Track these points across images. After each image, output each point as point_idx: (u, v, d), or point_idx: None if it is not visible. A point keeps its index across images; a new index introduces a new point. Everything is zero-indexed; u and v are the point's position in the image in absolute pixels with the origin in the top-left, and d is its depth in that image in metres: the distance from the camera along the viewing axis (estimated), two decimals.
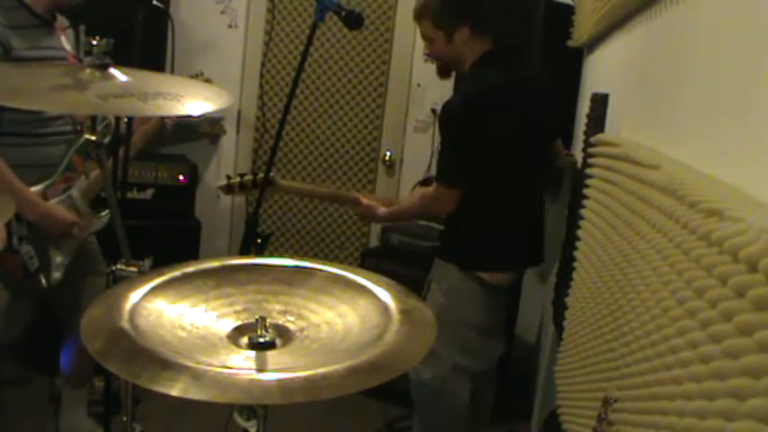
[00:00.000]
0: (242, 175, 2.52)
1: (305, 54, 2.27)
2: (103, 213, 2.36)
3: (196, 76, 2.78)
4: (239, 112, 3.84)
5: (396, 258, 3.24)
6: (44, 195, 2.18)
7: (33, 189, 2.16)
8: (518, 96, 2.36)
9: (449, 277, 2.38)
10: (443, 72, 2.49)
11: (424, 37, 2.40)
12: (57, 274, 2.23)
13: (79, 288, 2.35)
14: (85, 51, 2.10)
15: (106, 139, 1.54)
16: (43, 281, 2.19)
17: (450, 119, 2.30)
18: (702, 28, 1.17)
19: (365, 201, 2.57)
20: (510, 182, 2.35)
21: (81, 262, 2.33)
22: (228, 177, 2.55)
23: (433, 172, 3.65)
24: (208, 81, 2.71)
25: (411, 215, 2.64)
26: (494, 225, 2.35)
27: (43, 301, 2.39)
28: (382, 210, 2.56)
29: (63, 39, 2.27)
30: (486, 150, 2.26)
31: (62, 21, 2.33)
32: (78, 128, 2.29)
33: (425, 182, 2.75)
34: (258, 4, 3.78)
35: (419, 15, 2.37)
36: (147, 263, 1.58)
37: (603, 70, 2.36)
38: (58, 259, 2.24)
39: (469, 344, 2.42)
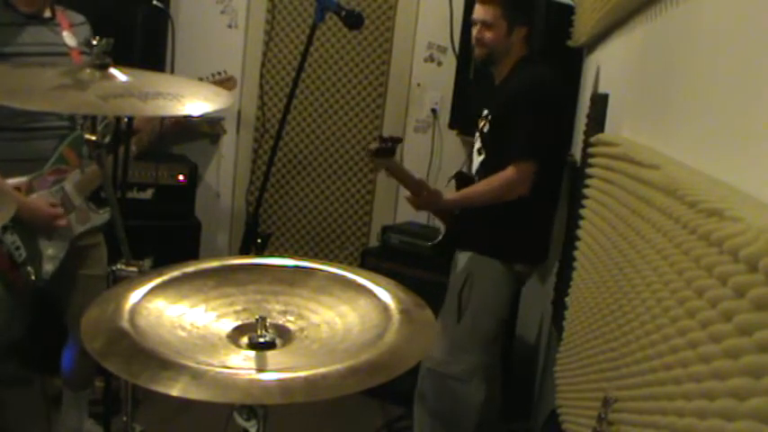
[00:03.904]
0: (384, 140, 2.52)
1: (305, 54, 2.27)
2: (103, 210, 2.35)
3: (218, 74, 2.77)
4: (239, 112, 3.84)
5: (396, 258, 3.24)
6: (30, 186, 2.16)
7: (17, 180, 2.13)
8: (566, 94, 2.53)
9: (492, 273, 2.44)
10: (487, 62, 2.47)
11: (481, 21, 2.39)
12: (48, 267, 2.20)
13: (73, 287, 2.33)
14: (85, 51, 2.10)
15: (106, 139, 1.54)
16: (32, 273, 2.17)
17: (534, 96, 2.34)
18: (702, 28, 1.17)
19: (432, 188, 2.54)
20: (554, 174, 2.46)
21: (78, 260, 2.32)
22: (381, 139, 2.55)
23: (434, 172, 3.66)
24: (230, 79, 2.72)
25: (486, 199, 2.42)
26: (536, 217, 2.44)
27: (40, 297, 2.37)
28: (449, 196, 2.52)
29: (66, 34, 2.25)
30: (551, 135, 2.36)
31: (74, 17, 2.32)
32: (72, 123, 2.27)
33: (461, 177, 2.70)
34: (258, 4, 3.77)
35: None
36: (147, 263, 1.58)
37: (603, 70, 2.36)
38: (50, 251, 2.21)
39: (498, 336, 2.54)
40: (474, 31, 2.44)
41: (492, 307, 2.47)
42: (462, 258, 2.55)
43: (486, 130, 2.49)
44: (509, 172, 2.34)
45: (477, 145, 2.57)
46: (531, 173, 2.31)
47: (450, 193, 2.55)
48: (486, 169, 2.46)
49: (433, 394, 2.53)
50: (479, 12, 2.40)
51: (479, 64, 2.51)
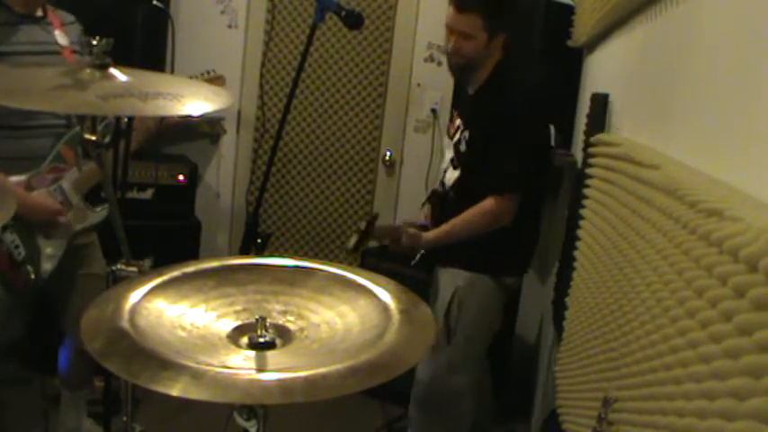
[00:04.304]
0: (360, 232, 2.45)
1: (305, 54, 2.27)
2: (100, 208, 2.35)
3: (207, 73, 2.76)
4: (239, 112, 3.84)
5: (396, 258, 3.23)
6: (29, 184, 2.16)
7: (16, 178, 2.13)
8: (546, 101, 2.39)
9: (482, 289, 2.34)
10: (464, 71, 2.32)
11: (459, 32, 2.20)
12: (47, 266, 2.20)
13: (71, 286, 2.33)
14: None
15: (106, 139, 1.54)
16: (31, 272, 2.17)
17: (517, 119, 2.20)
18: (702, 28, 1.17)
19: (411, 230, 2.35)
20: (540, 183, 2.37)
21: (75, 259, 2.31)
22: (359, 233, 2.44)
23: (434, 172, 3.66)
24: (219, 78, 2.71)
25: (467, 233, 2.28)
26: (522, 230, 2.35)
27: (40, 297, 2.38)
28: (427, 235, 2.34)
29: (58, 33, 2.26)
30: (539, 151, 2.28)
31: (65, 16, 2.32)
32: (68, 121, 2.28)
33: (437, 197, 2.52)
34: (258, 4, 3.77)
35: (466, 7, 2.16)
36: (147, 263, 1.58)
37: (603, 70, 2.36)
38: (48, 250, 2.21)
39: (487, 346, 2.46)
40: (450, 41, 2.25)
41: (483, 325, 2.39)
42: (444, 275, 2.42)
43: (462, 147, 2.34)
44: (492, 205, 2.21)
45: (450, 155, 2.41)
46: (515, 203, 2.22)
47: (429, 232, 2.37)
48: (464, 188, 2.34)
49: (426, 415, 2.46)
50: (458, 21, 2.20)
51: (455, 73, 2.38)
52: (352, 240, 2.42)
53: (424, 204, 2.57)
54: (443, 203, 2.42)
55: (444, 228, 2.30)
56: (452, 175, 2.39)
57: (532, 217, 2.40)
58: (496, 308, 2.41)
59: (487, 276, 2.34)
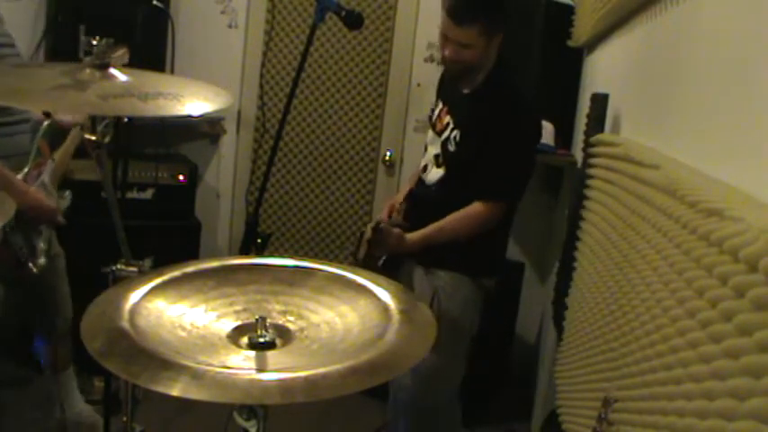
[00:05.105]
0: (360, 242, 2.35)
1: (305, 54, 2.27)
2: (65, 193, 2.37)
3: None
4: (239, 112, 3.84)
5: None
6: (25, 182, 2.18)
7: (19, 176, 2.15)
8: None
9: (463, 289, 2.26)
10: (462, 76, 2.21)
11: (457, 42, 2.10)
12: (42, 260, 2.23)
13: (49, 272, 2.35)
14: (85, 51, 2.11)
15: (106, 139, 1.54)
16: (33, 268, 2.19)
17: (523, 129, 2.17)
18: (702, 28, 1.17)
19: (395, 230, 2.21)
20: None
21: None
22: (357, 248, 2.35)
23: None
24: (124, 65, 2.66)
25: (453, 238, 2.20)
26: (504, 231, 2.32)
27: (38, 292, 2.37)
28: (412, 237, 2.20)
29: (7, 27, 2.27)
30: (533, 157, 2.25)
31: None
32: (43, 113, 2.27)
33: (414, 196, 2.41)
34: (258, 4, 3.77)
35: (466, 20, 2.06)
36: (147, 263, 1.58)
37: (603, 70, 2.36)
38: (41, 245, 2.24)
39: (466, 351, 2.37)
40: (447, 49, 2.15)
41: (464, 328, 2.30)
42: (421, 274, 2.32)
43: (451, 147, 2.24)
44: (483, 210, 2.16)
45: (435, 151, 2.30)
46: (504, 209, 2.18)
47: (414, 234, 2.22)
48: (448, 189, 2.25)
49: (410, 426, 2.38)
50: (456, 33, 2.09)
51: (452, 78, 2.28)
52: (362, 251, 2.28)
53: (401, 208, 2.40)
54: (423, 202, 2.33)
55: (431, 231, 2.21)
56: (436, 174, 2.30)
57: (510, 216, 2.31)
58: (477, 310, 2.32)
59: (467, 277, 2.26)
